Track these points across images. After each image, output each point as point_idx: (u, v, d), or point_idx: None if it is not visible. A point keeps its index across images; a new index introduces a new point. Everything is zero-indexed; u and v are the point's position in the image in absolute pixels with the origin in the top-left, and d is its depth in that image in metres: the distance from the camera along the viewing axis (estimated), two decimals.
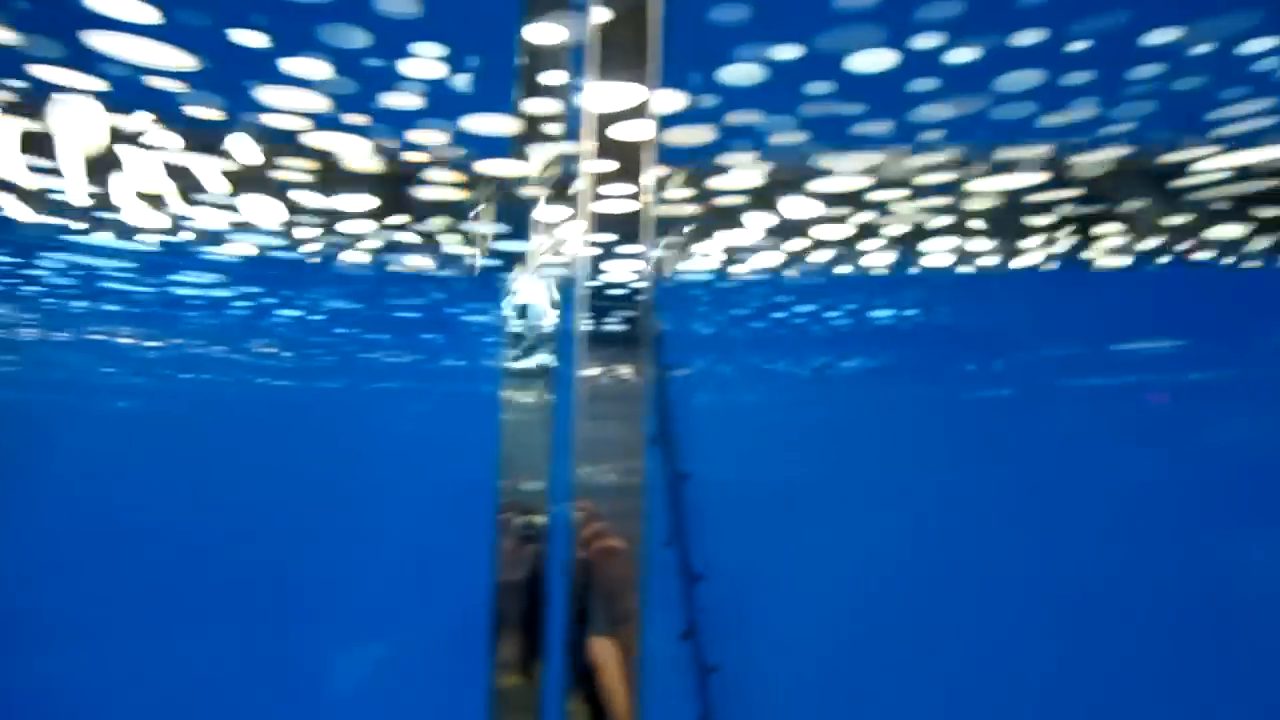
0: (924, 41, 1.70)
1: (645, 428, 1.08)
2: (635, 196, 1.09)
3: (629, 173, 1.10)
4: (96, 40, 1.70)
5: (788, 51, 1.51)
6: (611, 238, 1.09)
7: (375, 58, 1.53)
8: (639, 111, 1.08)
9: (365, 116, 1.89)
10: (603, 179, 1.09)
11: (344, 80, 1.65)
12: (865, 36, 1.62)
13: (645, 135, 1.07)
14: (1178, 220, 2.47)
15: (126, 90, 1.97)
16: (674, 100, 1.62)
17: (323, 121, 1.99)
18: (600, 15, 1.09)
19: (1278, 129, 2.16)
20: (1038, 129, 2.10)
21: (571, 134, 1.08)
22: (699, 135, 2.05)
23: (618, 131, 1.08)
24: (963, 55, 1.76)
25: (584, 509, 1.15)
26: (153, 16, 1.61)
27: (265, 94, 1.90)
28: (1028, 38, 1.70)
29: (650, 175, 1.06)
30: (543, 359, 1.37)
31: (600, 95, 1.09)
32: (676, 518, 2.97)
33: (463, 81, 1.48)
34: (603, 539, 1.15)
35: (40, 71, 1.84)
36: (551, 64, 1.29)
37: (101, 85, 1.92)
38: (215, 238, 2.70)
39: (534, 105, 1.29)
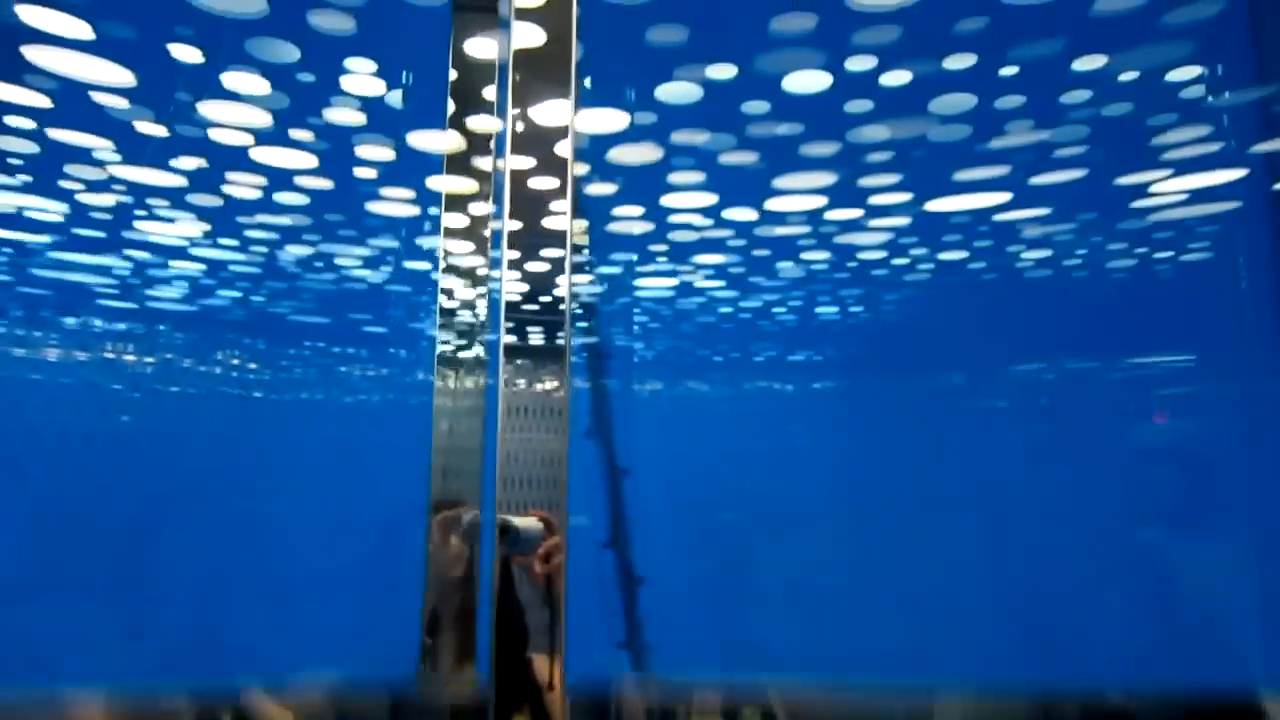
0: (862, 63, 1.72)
1: (569, 438, 1.08)
2: (559, 210, 1.09)
3: (552, 186, 1.10)
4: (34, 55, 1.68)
5: (724, 71, 1.53)
6: (535, 250, 1.09)
7: (308, 73, 1.53)
8: (561, 128, 1.08)
9: (305, 131, 1.88)
10: (526, 192, 1.09)
11: (280, 95, 1.64)
12: (803, 59, 1.64)
13: (566, 151, 1.07)
14: None
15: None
16: (613, 118, 1.63)
17: (264, 136, 1.99)
18: (523, 33, 1.10)
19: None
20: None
21: (498, 150, 1.08)
22: (646, 154, 2.07)
23: (541, 147, 1.09)
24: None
25: (542, 518, 1.15)
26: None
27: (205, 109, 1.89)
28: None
29: (572, 189, 1.07)
30: (472, 371, 1.37)
31: (524, 111, 1.09)
32: (615, 517, 2.95)
33: (395, 98, 1.48)
34: (559, 554, 1.15)
35: None
36: (480, 81, 1.29)
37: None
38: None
39: (462, 121, 1.30)
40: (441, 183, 1.31)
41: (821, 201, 2.31)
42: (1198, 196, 2.39)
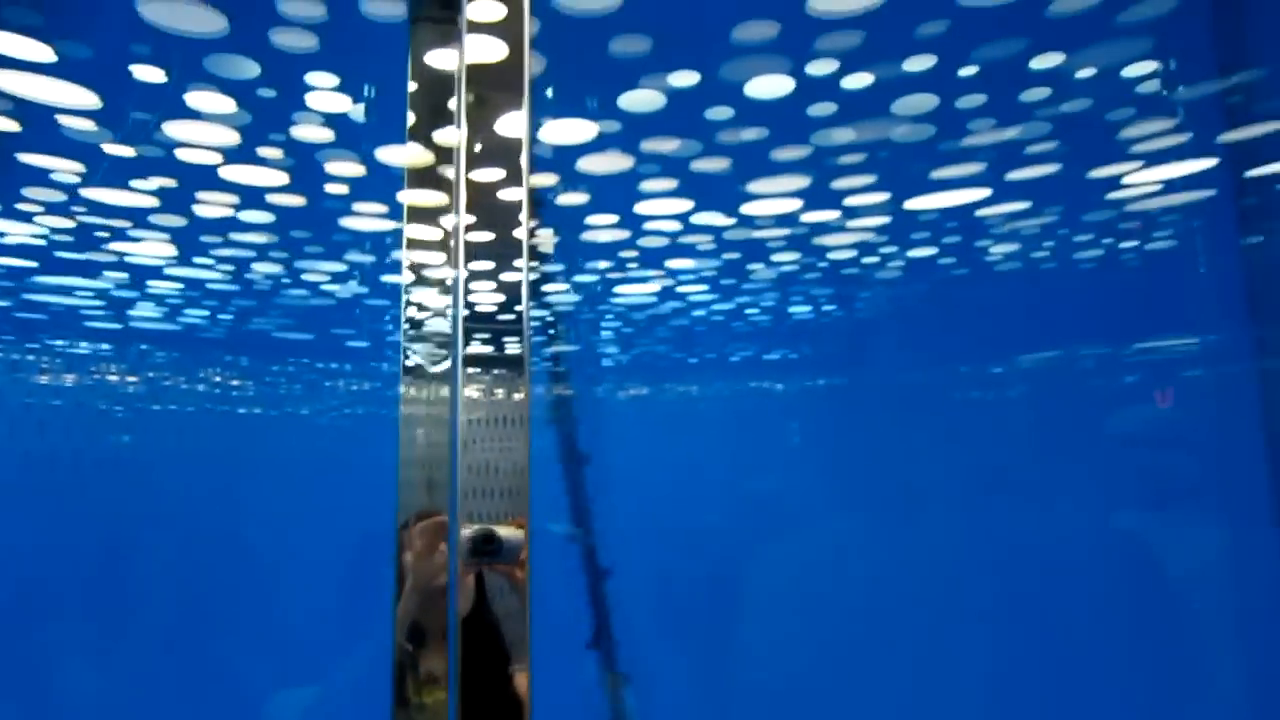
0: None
1: (529, 446, 1.09)
2: (517, 220, 1.10)
3: (511, 198, 1.11)
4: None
5: (686, 79, 1.54)
6: (494, 261, 1.09)
7: (270, 89, 1.53)
8: (517, 140, 1.09)
9: (272, 149, 1.88)
10: (484, 203, 1.10)
11: (244, 113, 1.64)
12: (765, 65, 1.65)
13: (523, 162, 1.08)
14: None
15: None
16: (580, 129, 1.64)
17: (232, 155, 1.98)
18: (477, 45, 1.11)
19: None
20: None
21: (457, 161, 1.09)
22: (617, 162, 2.08)
23: (498, 159, 1.09)
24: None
25: (520, 525, 1.15)
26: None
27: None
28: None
29: (529, 198, 1.08)
30: (438, 382, 1.37)
31: (479, 123, 1.10)
32: (579, 508, 2.93)
33: (357, 113, 1.49)
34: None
35: None
36: (441, 94, 1.30)
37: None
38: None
39: (424, 133, 1.30)
40: (405, 195, 1.32)
41: (793, 205, 2.33)
42: (1162, 188, 2.43)
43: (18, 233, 2.39)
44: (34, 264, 2.64)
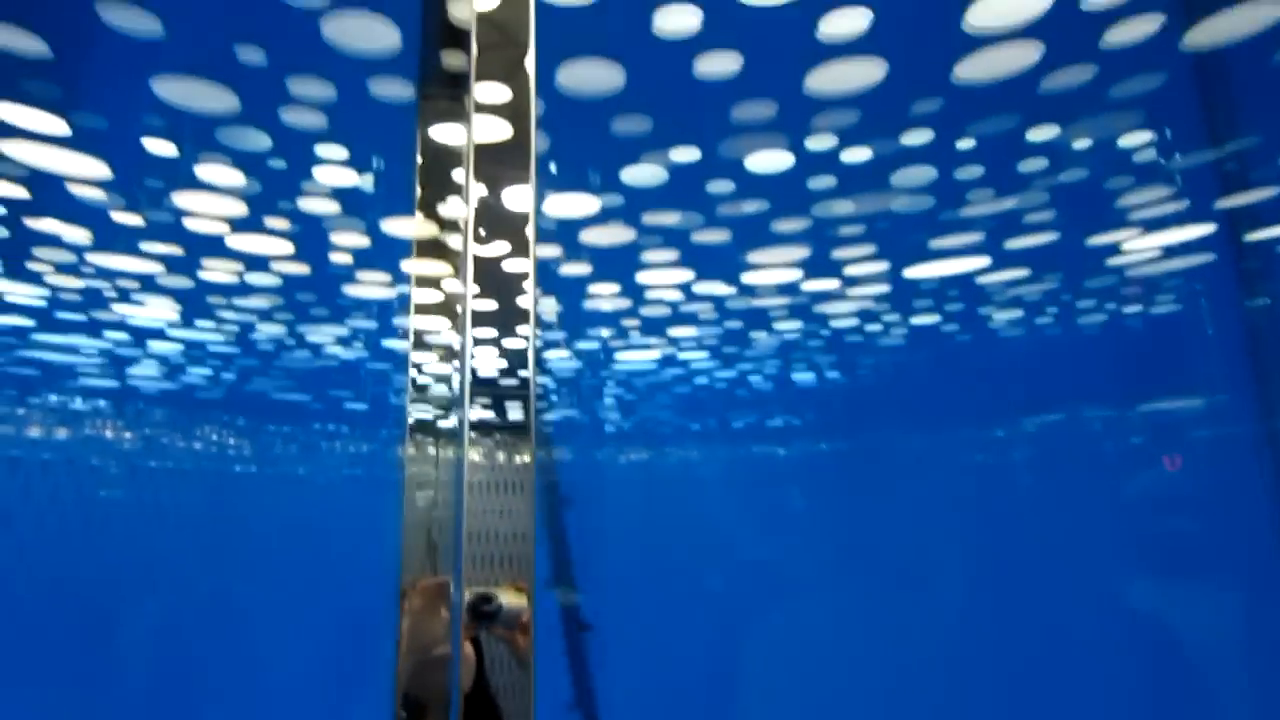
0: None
1: (534, 513, 1.08)
2: (523, 289, 1.10)
3: (518, 269, 1.12)
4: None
5: (687, 154, 1.57)
6: (500, 328, 1.10)
7: (281, 160, 1.56)
8: (523, 214, 1.10)
9: (281, 219, 1.90)
10: (491, 274, 1.11)
11: (253, 182, 1.66)
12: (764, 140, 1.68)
13: (529, 233, 1.09)
14: None
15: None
16: (583, 203, 1.66)
17: (240, 225, 2.01)
18: (484, 125, 1.13)
19: None
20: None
21: (464, 232, 1.11)
22: (620, 235, 2.10)
23: (505, 232, 1.11)
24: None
25: (521, 590, 1.13)
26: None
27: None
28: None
29: (534, 268, 1.09)
30: (443, 447, 1.36)
31: (487, 199, 1.11)
32: (559, 557, 2.87)
33: (366, 184, 1.51)
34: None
35: None
36: (448, 167, 1.32)
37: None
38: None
39: (431, 207, 1.32)
40: (411, 264, 1.33)
41: (793, 275, 2.34)
42: (1162, 254, 2.44)
43: (21, 293, 2.40)
44: (31, 322, 2.65)
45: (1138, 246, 2.41)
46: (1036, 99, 1.71)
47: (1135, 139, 2.04)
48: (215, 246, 2.17)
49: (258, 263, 2.22)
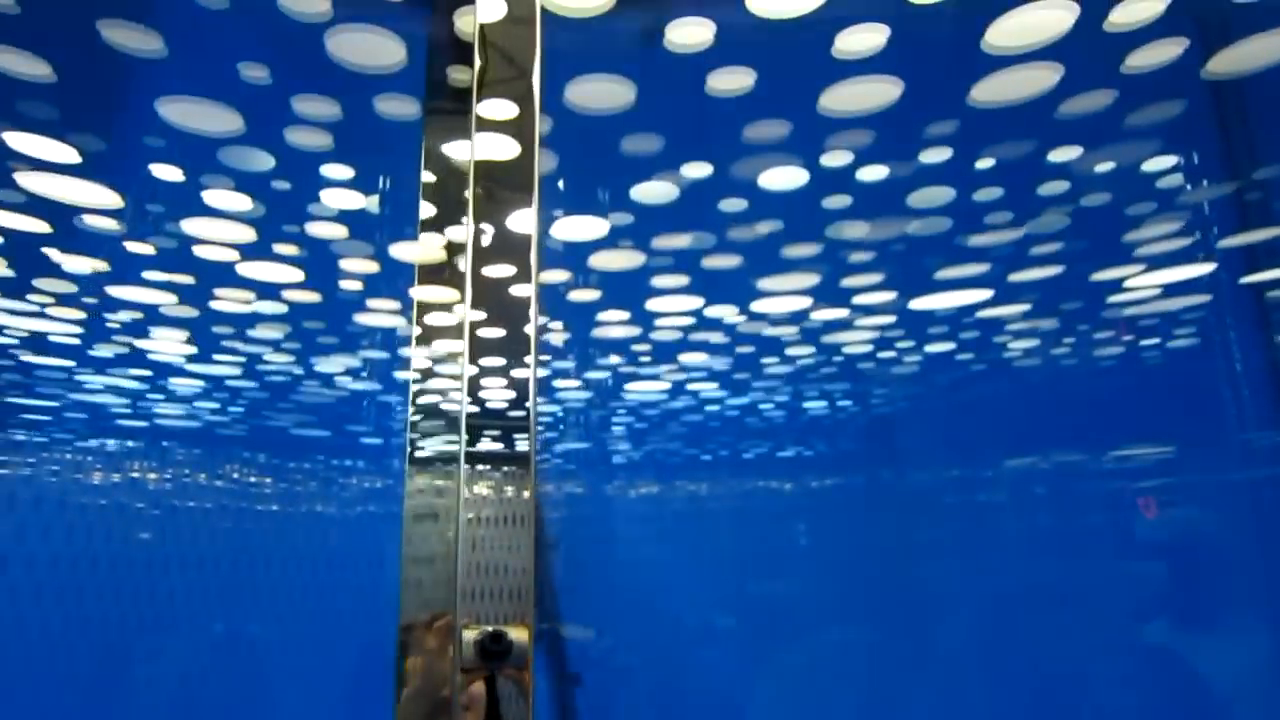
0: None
1: (532, 548, 1.04)
2: (524, 316, 1.07)
3: (521, 294, 1.09)
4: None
5: (698, 170, 1.54)
6: (502, 356, 1.06)
7: (286, 182, 1.54)
8: (526, 236, 1.08)
9: (289, 245, 1.89)
10: (493, 298, 1.08)
11: (259, 206, 1.65)
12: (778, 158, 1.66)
13: (533, 257, 1.06)
14: None
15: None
16: (592, 225, 1.64)
17: (249, 251, 1.99)
18: (487, 144, 1.11)
19: None
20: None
21: (467, 257, 1.08)
22: (629, 259, 2.08)
23: (508, 255, 1.08)
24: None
25: (527, 627, 1.10)
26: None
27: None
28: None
29: (535, 295, 1.06)
30: (443, 479, 1.32)
31: (489, 220, 1.09)
32: (547, 601, 2.78)
33: (371, 207, 1.49)
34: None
35: None
36: (453, 188, 1.30)
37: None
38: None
39: (436, 229, 1.30)
40: (415, 291, 1.30)
41: (804, 302, 2.31)
42: (1182, 287, 2.40)
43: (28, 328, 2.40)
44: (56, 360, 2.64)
45: (1154, 281, 2.38)
46: (1053, 124, 1.69)
47: (1153, 165, 2.02)
48: (227, 275, 2.16)
49: (268, 290, 2.20)
